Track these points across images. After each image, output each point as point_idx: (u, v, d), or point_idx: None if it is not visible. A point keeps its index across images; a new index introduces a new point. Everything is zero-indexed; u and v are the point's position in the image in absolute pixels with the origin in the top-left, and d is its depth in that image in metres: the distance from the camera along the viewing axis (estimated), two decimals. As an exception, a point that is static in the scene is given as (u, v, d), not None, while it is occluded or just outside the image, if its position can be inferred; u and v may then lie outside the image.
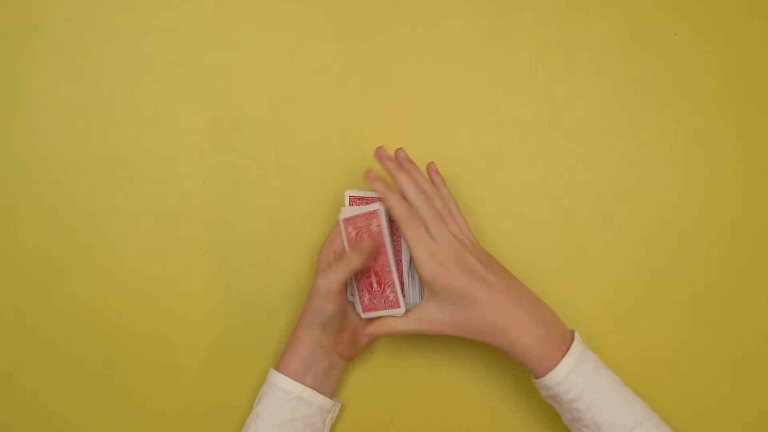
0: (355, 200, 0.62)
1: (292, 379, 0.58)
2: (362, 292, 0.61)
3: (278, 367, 0.59)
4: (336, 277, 0.57)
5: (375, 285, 0.60)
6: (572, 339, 0.56)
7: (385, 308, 0.60)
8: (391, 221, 0.59)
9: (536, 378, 0.56)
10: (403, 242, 0.61)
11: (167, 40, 0.67)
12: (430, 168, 0.62)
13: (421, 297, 0.60)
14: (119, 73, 0.66)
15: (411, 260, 0.60)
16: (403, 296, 0.59)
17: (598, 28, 0.67)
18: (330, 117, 0.67)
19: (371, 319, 0.60)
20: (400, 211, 0.56)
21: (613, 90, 0.67)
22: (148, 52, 0.66)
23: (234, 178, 0.66)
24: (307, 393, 0.58)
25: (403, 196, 0.57)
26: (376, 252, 0.59)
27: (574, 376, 0.54)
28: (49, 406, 0.65)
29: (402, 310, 0.59)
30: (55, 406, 0.65)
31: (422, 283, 0.57)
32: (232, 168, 0.66)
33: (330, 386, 0.61)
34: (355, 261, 0.57)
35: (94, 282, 0.65)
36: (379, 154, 0.59)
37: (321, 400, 0.59)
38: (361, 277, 0.61)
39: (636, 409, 0.55)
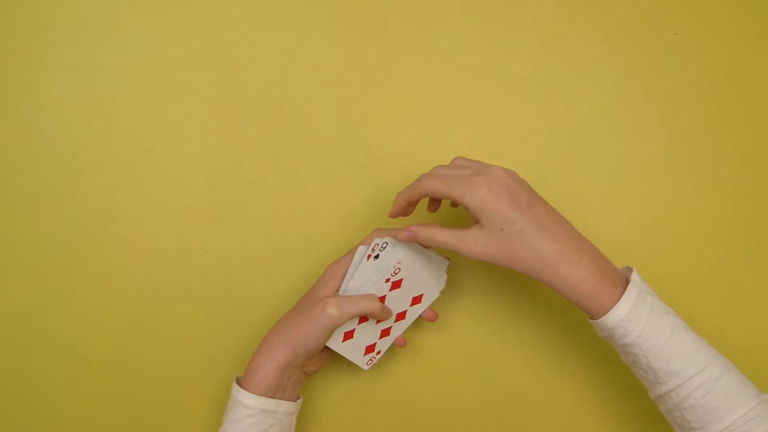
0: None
1: (259, 395, 0.56)
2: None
3: (245, 384, 0.57)
4: (351, 311, 0.56)
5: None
6: (626, 278, 0.53)
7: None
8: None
9: (591, 318, 0.53)
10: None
11: (167, 39, 0.66)
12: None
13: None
14: (119, 73, 0.66)
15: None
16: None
17: (598, 28, 0.67)
18: (330, 117, 0.67)
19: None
20: (436, 184, 0.53)
21: (613, 90, 0.67)
22: (148, 52, 0.66)
23: (234, 178, 0.66)
24: (270, 404, 0.56)
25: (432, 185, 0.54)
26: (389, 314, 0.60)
27: (627, 323, 0.51)
28: (49, 406, 0.65)
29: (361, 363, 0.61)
30: (55, 405, 0.65)
31: (471, 213, 0.53)
32: (232, 168, 0.66)
33: (294, 394, 0.59)
34: (373, 307, 0.56)
35: (94, 282, 0.65)
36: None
37: (284, 406, 0.57)
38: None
39: (697, 355, 0.51)
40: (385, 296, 0.59)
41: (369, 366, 0.62)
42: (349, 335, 0.59)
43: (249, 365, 0.57)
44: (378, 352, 0.62)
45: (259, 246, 0.66)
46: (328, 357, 0.62)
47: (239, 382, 0.57)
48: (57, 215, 0.65)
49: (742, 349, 0.65)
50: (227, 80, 0.67)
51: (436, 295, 0.62)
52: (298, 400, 0.60)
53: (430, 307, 0.62)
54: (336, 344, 0.59)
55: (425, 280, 0.60)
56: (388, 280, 0.58)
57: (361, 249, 0.59)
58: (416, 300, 0.61)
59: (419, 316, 0.62)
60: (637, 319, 0.51)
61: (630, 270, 0.55)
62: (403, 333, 0.62)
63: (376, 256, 0.58)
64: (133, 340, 0.65)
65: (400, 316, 0.61)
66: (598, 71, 0.67)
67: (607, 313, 0.51)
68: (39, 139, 0.65)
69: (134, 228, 0.65)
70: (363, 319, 0.59)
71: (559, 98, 0.67)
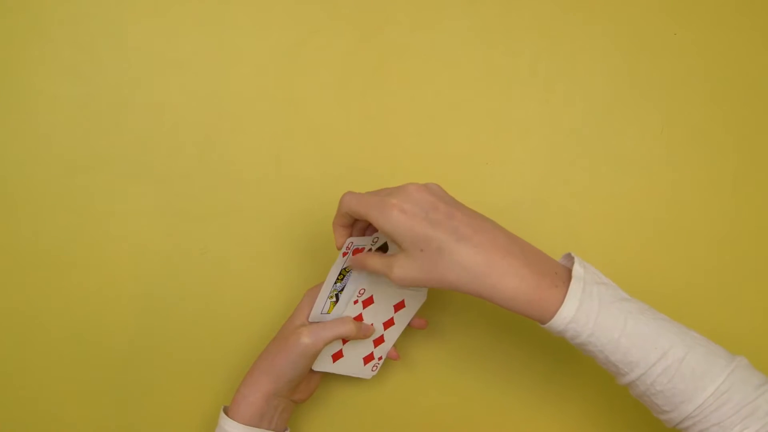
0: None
1: (245, 425, 0.55)
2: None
3: (231, 413, 0.56)
4: (325, 336, 0.55)
5: None
6: (569, 272, 0.50)
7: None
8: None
9: (541, 323, 0.50)
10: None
11: (167, 39, 0.66)
12: None
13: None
14: (119, 73, 0.66)
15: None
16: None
17: (598, 28, 0.67)
18: (330, 116, 0.67)
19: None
20: (355, 204, 0.51)
21: (613, 90, 0.67)
22: (148, 51, 0.66)
23: (234, 178, 0.66)
24: None
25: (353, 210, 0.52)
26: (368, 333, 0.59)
27: (576, 324, 0.47)
28: (48, 406, 0.65)
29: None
30: (54, 406, 0.65)
31: (389, 239, 0.50)
32: (232, 168, 0.66)
33: (282, 423, 0.59)
34: (348, 329, 0.56)
35: (94, 282, 0.65)
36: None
37: None
38: None
39: (657, 340, 0.48)
40: (360, 314, 0.58)
41: (374, 372, 0.62)
42: (338, 355, 0.59)
43: (235, 395, 0.57)
44: (380, 358, 0.62)
45: (258, 246, 0.66)
46: (317, 384, 0.62)
47: (226, 411, 0.57)
48: (57, 215, 0.65)
49: (742, 349, 0.65)
50: (227, 80, 0.67)
51: (419, 303, 0.61)
52: (285, 431, 0.59)
53: (419, 315, 0.62)
54: (326, 366, 0.59)
55: (399, 290, 0.59)
56: (356, 302, 0.58)
57: (332, 274, 0.58)
58: (399, 306, 0.60)
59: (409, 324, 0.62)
60: (585, 317, 0.47)
61: (571, 259, 0.51)
62: (395, 345, 0.62)
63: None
64: (132, 341, 0.65)
65: (389, 323, 0.60)
66: (598, 71, 0.67)
67: (552, 317, 0.48)
68: (39, 139, 0.65)
69: (134, 228, 0.65)
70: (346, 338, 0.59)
71: (559, 98, 0.67)
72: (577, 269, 0.49)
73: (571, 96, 0.67)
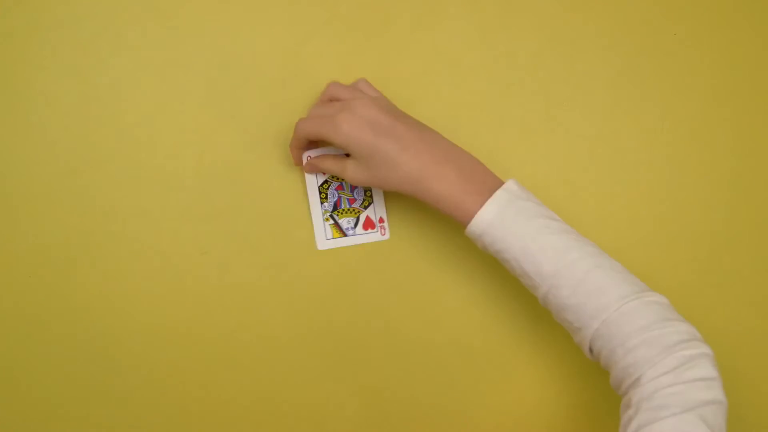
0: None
1: None
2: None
3: None
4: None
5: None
6: (500, 187, 0.55)
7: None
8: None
9: (464, 226, 0.55)
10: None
11: (167, 39, 0.66)
12: None
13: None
14: (119, 73, 0.66)
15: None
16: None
17: (598, 28, 0.67)
18: (330, 117, 0.67)
19: None
20: (310, 127, 0.58)
21: (612, 90, 0.67)
22: (147, 51, 0.66)
23: (234, 178, 0.66)
24: None
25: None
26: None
27: (493, 229, 0.53)
28: (49, 406, 0.65)
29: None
30: (54, 405, 0.65)
31: (341, 148, 0.58)
32: (232, 168, 0.66)
33: None
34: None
35: (94, 282, 0.65)
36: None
37: None
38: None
39: (568, 252, 0.52)
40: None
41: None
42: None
43: None
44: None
45: (259, 247, 0.66)
46: None
47: None
48: (57, 215, 0.65)
49: (741, 348, 0.65)
50: (227, 80, 0.67)
51: None
52: None
53: None
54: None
55: None
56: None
57: (312, 197, 0.64)
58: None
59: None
60: (501, 223, 0.52)
61: (509, 181, 0.55)
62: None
63: None
64: (133, 341, 0.65)
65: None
66: (598, 71, 0.67)
67: (471, 219, 0.53)
68: (39, 139, 0.65)
69: (134, 228, 0.65)
70: None
71: (559, 98, 0.67)
72: (511, 184, 0.55)
73: (570, 96, 0.67)
